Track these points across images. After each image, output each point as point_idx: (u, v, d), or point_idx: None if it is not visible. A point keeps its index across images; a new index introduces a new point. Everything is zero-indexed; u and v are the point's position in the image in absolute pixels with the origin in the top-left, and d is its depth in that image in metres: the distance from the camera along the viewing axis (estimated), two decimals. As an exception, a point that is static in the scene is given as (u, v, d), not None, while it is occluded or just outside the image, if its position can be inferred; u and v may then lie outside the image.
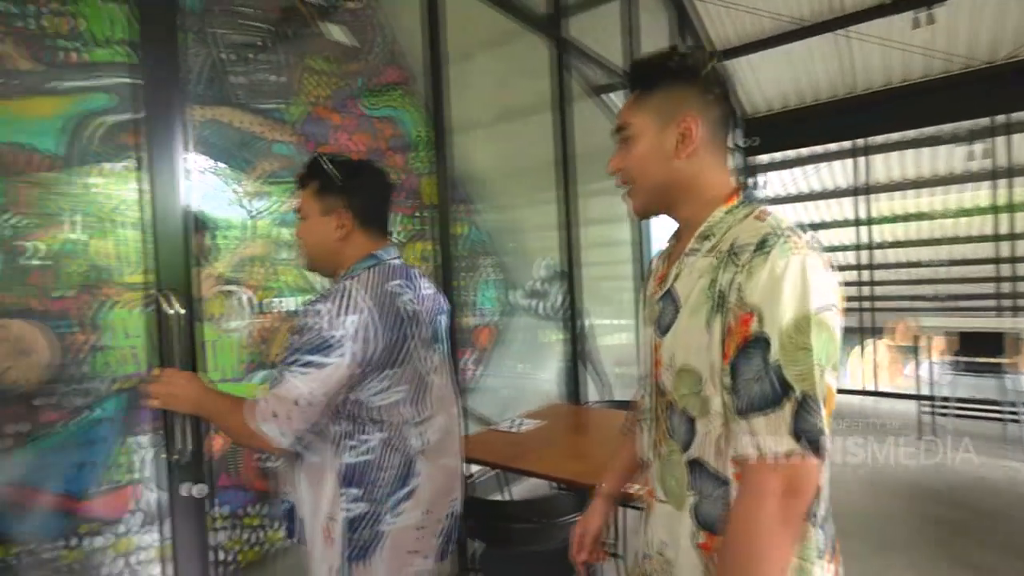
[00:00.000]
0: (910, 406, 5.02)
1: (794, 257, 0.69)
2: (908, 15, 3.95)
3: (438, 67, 2.21)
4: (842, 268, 6.80)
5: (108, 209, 2.02)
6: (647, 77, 0.86)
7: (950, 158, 5.82)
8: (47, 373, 1.85)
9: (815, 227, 6.75)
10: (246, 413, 0.99)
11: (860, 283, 6.51)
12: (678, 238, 0.89)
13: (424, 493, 1.09)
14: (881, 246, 6.51)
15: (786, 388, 0.66)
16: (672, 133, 0.82)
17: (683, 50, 0.84)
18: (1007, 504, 3.02)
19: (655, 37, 4.25)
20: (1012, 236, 5.74)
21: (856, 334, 6.35)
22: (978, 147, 5.49)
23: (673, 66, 0.83)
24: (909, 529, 2.81)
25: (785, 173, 6.70)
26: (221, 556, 2.28)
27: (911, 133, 5.62)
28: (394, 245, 1.22)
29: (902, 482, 3.41)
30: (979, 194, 5.94)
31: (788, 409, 0.66)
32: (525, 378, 4.24)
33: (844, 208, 6.62)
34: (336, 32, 3.01)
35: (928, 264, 6.42)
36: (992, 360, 4.06)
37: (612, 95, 4.13)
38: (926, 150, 5.95)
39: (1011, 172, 5.57)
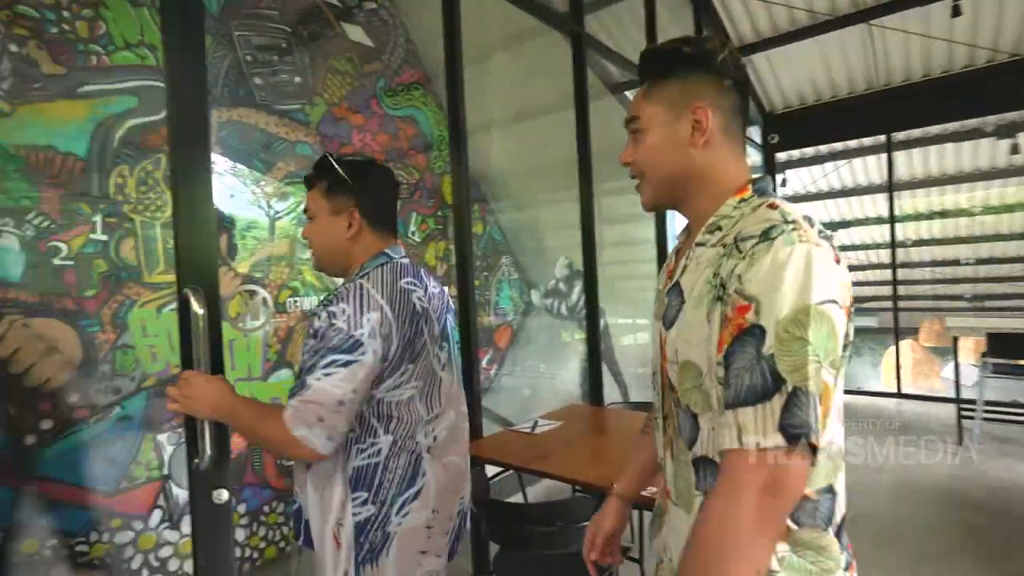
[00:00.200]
0: (943, 409, 4.86)
1: (799, 247, 0.65)
2: (932, 6, 3.83)
3: (455, 66, 2.20)
4: (868, 267, 6.62)
5: (130, 210, 2.06)
6: (659, 66, 0.82)
7: (978, 153, 5.63)
8: (74, 371, 1.89)
9: (840, 225, 6.58)
10: (286, 421, 0.96)
11: (887, 282, 6.33)
12: (688, 232, 0.86)
13: (431, 493, 1.08)
14: (913, 244, 6.32)
15: (778, 381, 0.62)
16: (685, 122, 0.79)
17: (696, 38, 0.81)
18: (1050, 513, 2.90)
19: (675, 32, 4.18)
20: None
21: (885, 334, 6.17)
22: (1005, 143, 5.28)
23: (687, 53, 0.79)
24: (946, 539, 2.70)
25: (808, 170, 6.55)
26: (241, 553, 2.31)
27: (943, 127, 5.44)
28: (401, 244, 1.22)
29: (938, 489, 3.28)
30: (1007, 191, 5.72)
31: (777, 402, 0.62)
32: (544, 378, 4.21)
33: (870, 205, 6.44)
34: (356, 32, 3.03)
35: (958, 263, 6.21)
36: (1029, 362, 3.90)
37: (632, 92, 4.08)
38: (954, 145, 5.76)
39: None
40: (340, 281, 1.17)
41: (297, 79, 2.72)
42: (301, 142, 2.72)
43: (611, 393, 3.78)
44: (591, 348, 2.95)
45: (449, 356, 1.20)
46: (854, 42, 4.50)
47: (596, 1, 3.88)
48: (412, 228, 3.27)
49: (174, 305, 2.05)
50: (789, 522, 0.68)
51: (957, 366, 4.19)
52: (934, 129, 5.54)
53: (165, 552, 2.06)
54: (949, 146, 5.88)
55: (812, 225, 0.69)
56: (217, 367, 1.16)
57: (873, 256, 6.67)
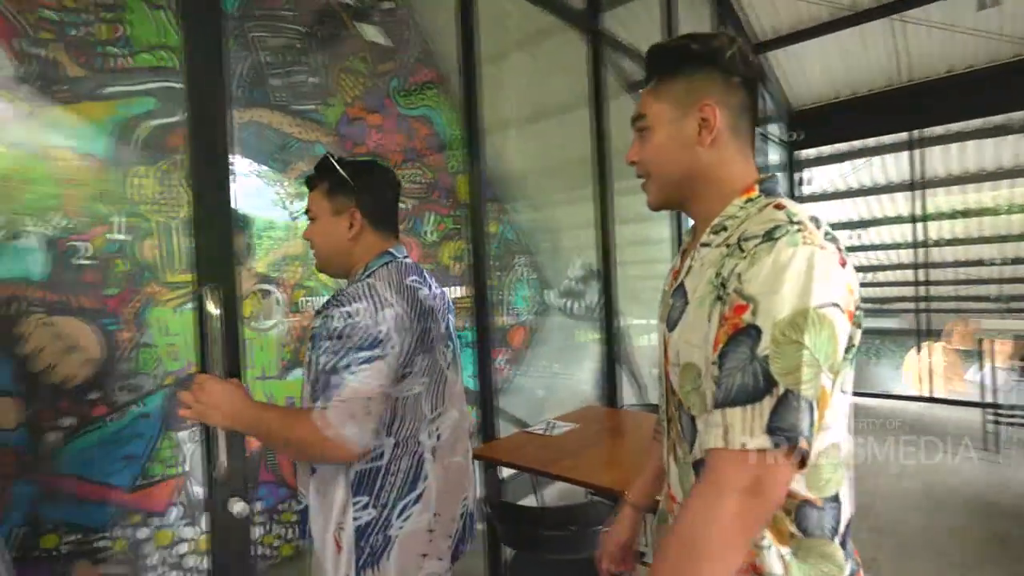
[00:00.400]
0: (970, 414, 4.73)
1: (802, 248, 0.63)
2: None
3: (471, 65, 2.19)
4: (891, 267, 6.47)
5: (150, 210, 2.08)
6: (666, 63, 0.81)
7: (1003, 151, 5.45)
8: (94, 369, 1.92)
9: (863, 224, 6.44)
10: (318, 422, 0.95)
11: (911, 283, 6.17)
12: (694, 232, 0.85)
13: (432, 496, 1.08)
14: (937, 243, 6.16)
15: (769, 382, 0.61)
16: (692, 120, 0.77)
17: (704, 35, 0.79)
18: (1083, 523, 2.79)
19: (694, 29, 4.12)
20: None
21: (907, 336, 6.03)
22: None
23: (695, 50, 0.78)
24: (975, 548, 2.62)
25: (833, 168, 6.42)
26: (258, 551, 2.32)
27: (968, 123, 5.29)
28: (404, 243, 1.22)
29: (965, 497, 3.19)
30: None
31: (767, 404, 0.60)
32: (560, 379, 4.18)
33: (897, 204, 6.29)
34: (371, 32, 3.03)
35: (989, 263, 6.04)
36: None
37: (649, 90, 4.02)
38: (979, 142, 5.59)
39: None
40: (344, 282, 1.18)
41: (313, 79, 2.73)
42: (317, 142, 2.73)
43: (629, 394, 3.74)
44: (607, 349, 2.92)
45: (453, 355, 1.21)
46: (876, 37, 4.39)
47: (613, -2, 3.84)
48: (428, 228, 3.27)
49: (192, 304, 2.07)
50: (795, 530, 0.67)
51: (983, 369, 4.07)
52: (957, 126, 5.38)
53: (183, 548, 2.09)
54: (974, 143, 5.71)
55: (818, 227, 0.68)
56: (234, 369, 1.13)
57: (895, 256, 6.52)
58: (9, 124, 1.77)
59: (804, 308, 0.61)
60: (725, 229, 0.75)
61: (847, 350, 0.66)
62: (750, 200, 0.76)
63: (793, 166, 5.87)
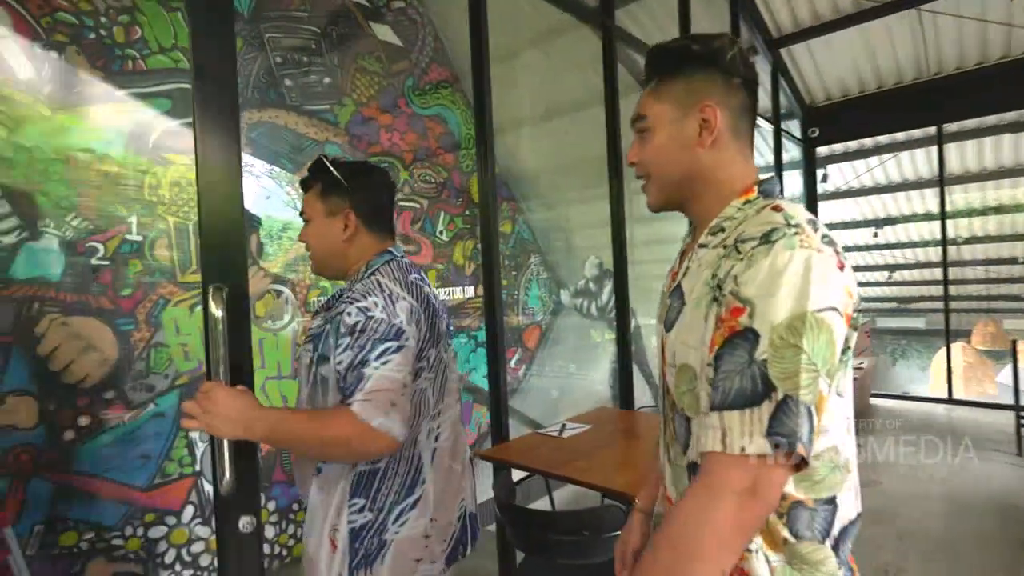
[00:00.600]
0: (999, 417, 4.59)
1: (799, 252, 0.63)
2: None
3: (481, 64, 2.17)
4: (915, 266, 6.31)
5: (165, 211, 2.10)
6: (667, 64, 0.81)
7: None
8: (110, 369, 1.94)
9: (886, 222, 6.29)
10: (359, 415, 0.92)
11: (937, 282, 6.01)
12: (693, 233, 0.86)
13: (430, 501, 1.07)
14: (960, 241, 6.00)
15: (768, 387, 0.61)
16: (693, 121, 0.77)
17: (705, 36, 0.79)
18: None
19: (710, 25, 4.05)
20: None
21: (933, 336, 5.87)
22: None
23: (695, 51, 0.78)
24: (1004, 555, 2.53)
25: (852, 165, 6.28)
26: (271, 550, 2.33)
27: (1002, 116, 5.14)
28: (398, 245, 1.22)
29: (995, 502, 3.08)
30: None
31: (766, 409, 0.60)
32: (574, 379, 4.15)
33: (918, 201, 6.13)
34: (384, 32, 3.03)
35: (1016, 261, 5.86)
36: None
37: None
38: (1012, 136, 5.43)
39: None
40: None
41: (326, 79, 2.73)
42: (330, 142, 2.74)
43: (643, 396, 3.69)
44: (621, 349, 2.88)
45: (453, 354, 1.21)
46: (902, 29, 4.27)
47: (627, -6, 3.79)
48: (440, 227, 3.26)
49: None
50: (787, 534, 0.67)
51: (1016, 371, 3.94)
52: (990, 119, 5.23)
53: (197, 547, 2.10)
54: (1006, 137, 5.55)
55: (816, 229, 0.68)
56: (241, 375, 1.07)
57: (921, 254, 6.36)
58: (28, 126, 1.79)
59: (802, 312, 0.61)
60: (723, 230, 0.75)
61: (843, 352, 0.66)
62: (748, 202, 0.76)
63: (810, 163, 5.75)
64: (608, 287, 4.13)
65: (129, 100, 2.03)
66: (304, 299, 2.55)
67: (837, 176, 6.43)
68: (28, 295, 1.77)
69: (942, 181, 5.56)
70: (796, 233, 0.65)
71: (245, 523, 1.06)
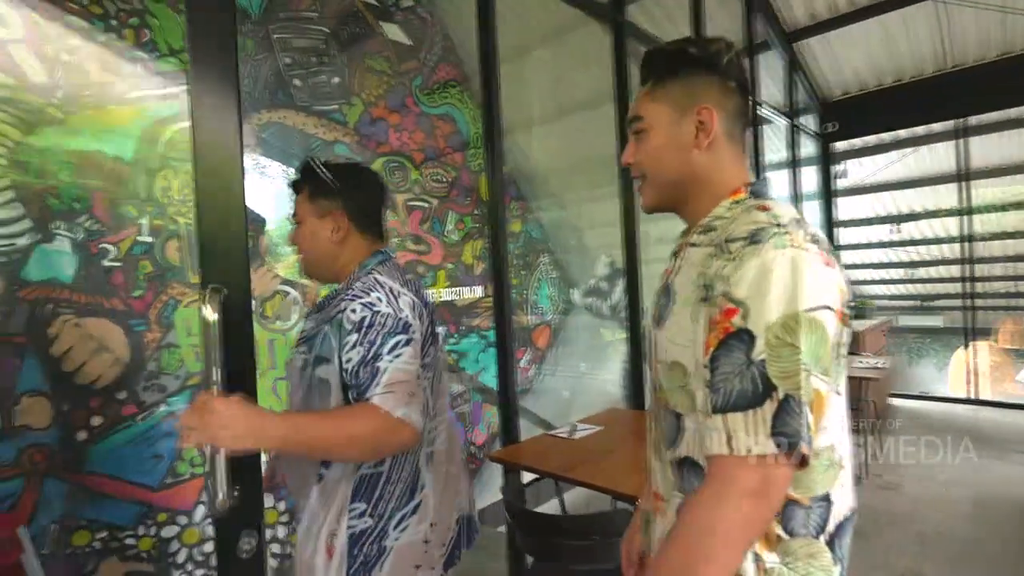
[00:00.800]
0: (1017, 416, 4.47)
1: (787, 251, 0.65)
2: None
3: (490, 63, 2.15)
4: (934, 263, 6.17)
5: (176, 212, 2.11)
6: (664, 66, 0.83)
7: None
8: (122, 369, 1.95)
9: (905, 218, 6.16)
10: (382, 407, 0.90)
11: (958, 279, 5.87)
12: (686, 234, 0.87)
13: (430, 506, 1.06)
14: (984, 237, 5.85)
15: (769, 387, 0.62)
16: (689, 123, 0.79)
17: (702, 39, 0.82)
18: None
19: (724, 19, 3.99)
20: None
21: (952, 335, 5.74)
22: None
23: (692, 54, 0.80)
24: (1027, 561, 2.46)
25: (871, 160, 6.15)
26: (282, 550, 2.34)
27: (1017, 110, 4.99)
28: (391, 247, 1.22)
29: (1019, 506, 3.00)
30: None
31: (769, 409, 0.62)
32: (585, 379, 4.12)
33: (938, 196, 5.99)
34: (393, 31, 3.02)
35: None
36: None
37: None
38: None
39: None
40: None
41: (335, 79, 2.73)
42: (340, 142, 2.74)
43: (655, 395, 3.65)
44: (633, 349, 2.84)
45: (444, 356, 1.21)
46: (920, 20, 4.18)
47: (639, -11, 3.75)
48: (450, 227, 3.24)
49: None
50: (781, 531, 0.68)
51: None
52: (1014, 112, 5.08)
53: (209, 547, 2.11)
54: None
55: (802, 228, 0.69)
56: (242, 382, 1.02)
57: (940, 251, 6.21)
58: (40, 129, 1.81)
59: (794, 311, 0.63)
60: (713, 230, 0.76)
61: (836, 345, 0.67)
62: (737, 202, 0.78)
63: (826, 159, 5.64)
64: (620, 286, 4.10)
65: (140, 102, 2.04)
66: (314, 299, 2.55)
67: (855, 172, 6.31)
68: (41, 296, 1.78)
69: (967, 176, 5.43)
70: (782, 233, 0.67)
71: (243, 544, 0.98)
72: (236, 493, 0.93)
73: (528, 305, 3.77)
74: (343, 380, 0.99)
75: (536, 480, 1.87)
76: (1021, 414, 4.60)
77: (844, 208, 6.25)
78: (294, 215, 1.16)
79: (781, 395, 0.62)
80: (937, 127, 5.48)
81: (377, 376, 0.94)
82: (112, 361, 1.93)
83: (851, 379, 3.31)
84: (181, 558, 2.04)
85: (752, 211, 0.73)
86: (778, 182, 4.93)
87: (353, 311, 0.98)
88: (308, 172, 1.14)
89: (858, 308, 5.70)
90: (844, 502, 0.72)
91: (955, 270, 5.93)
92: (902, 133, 5.68)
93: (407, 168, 3.04)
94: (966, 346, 5.25)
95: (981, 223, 5.83)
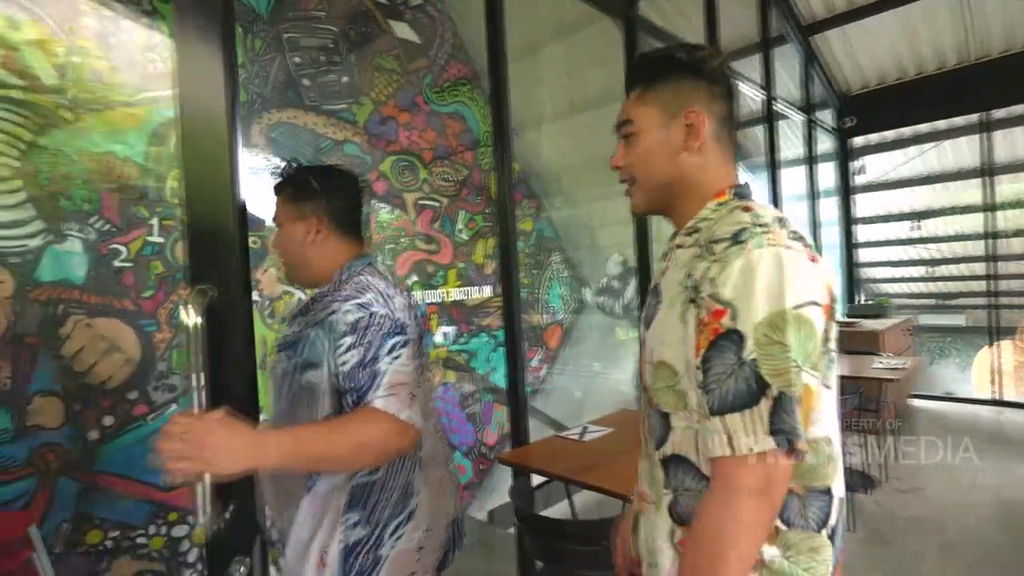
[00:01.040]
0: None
1: (768, 250, 0.66)
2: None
3: (498, 60, 2.13)
4: (955, 260, 6.02)
5: (184, 213, 2.11)
6: (653, 71, 0.84)
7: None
8: (133, 369, 1.96)
9: (929, 215, 6.02)
10: (387, 411, 0.88)
11: (981, 277, 5.72)
12: (675, 236, 0.88)
13: (423, 513, 1.05)
14: (1008, 235, 5.69)
15: (763, 385, 0.64)
16: (679, 127, 0.80)
17: (690, 45, 0.84)
18: None
19: (737, 14, 3.92)
20: None
21: (975, 334, 5.59)
22: None
23: (682, 59, 0.81)
24: (1055, 568, 2.37)
25: (891, 155, 6.02)
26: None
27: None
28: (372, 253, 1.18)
29: (1045, 511, 2.91)
30: None
31: (765, 407, 0.64)
32: (598, 379, 4.08)
33: (963, 192, 5.83)
34: (403, 30, 3.01)
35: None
36: None
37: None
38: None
39: None
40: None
41: (344, 79, 2.72)
42: (349, 141, 2.73)
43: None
44: (645, 349, 2.80)
45: (427, 359, 1.20)
46: (943, 10, 4.07)
47: (651, -17, 3.69)
48: (460, 226, 3.22)
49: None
50: (778, 522, 0.69)
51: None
52: (1039, 105, 4.93)
53: (220, 546, 2.11)
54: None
55: (783, 227, 0.71)
56: (230, 396, 0.90)
57: (960, 248, 6.06)
58: (51, 130, 1.82)
59: (781, 309, 0.64)
60: (698, 231, 0.78)
61: (824, 343, 0.69)
62: (722, 203, 0.79)
63: (844, 154, 5.53)
64: (632, 285, 4.05)
65: (150, 103, 2.05)
66: (324, 299, 2.55)
67: (874, 167, 6.18)
68: (53, 297, 1.80)
69: (991, 171, 5.28)
70: (764, 232, 0.68)
71: (236, 571, 0.86)
72: (227, 516, 0.85)
73: (540, 304, 3.74)
74: (335, 385, 0.96)
75: (546, 482, 1.84)
76: (1047, 416, 4.47)
77: (863, 205, 6.12)
78: (275, 218, 1.14)
79: (775, 393, 0.63)
80: (959, 121, 5.34)
81: (377, 378, 0.92)
82: (123, 361, 1.94)
83: (869, 380, 3.23)
84: (192, 557, 2.04)
85: (735, 212, 0.75)
86: (794, 179, 4.84)
87: (347, 312, 0.96)
88: (287, 175, 1.13)
89: (876, 307, 5.58)
90: (839, 495, 0.74)
91: (978, 268, 5.77)
92: (923, 128, 5.54)
93: (417, 167, 3.03)
94: (990, 345, 5.11)
95: (1005, 219, 5.67)
